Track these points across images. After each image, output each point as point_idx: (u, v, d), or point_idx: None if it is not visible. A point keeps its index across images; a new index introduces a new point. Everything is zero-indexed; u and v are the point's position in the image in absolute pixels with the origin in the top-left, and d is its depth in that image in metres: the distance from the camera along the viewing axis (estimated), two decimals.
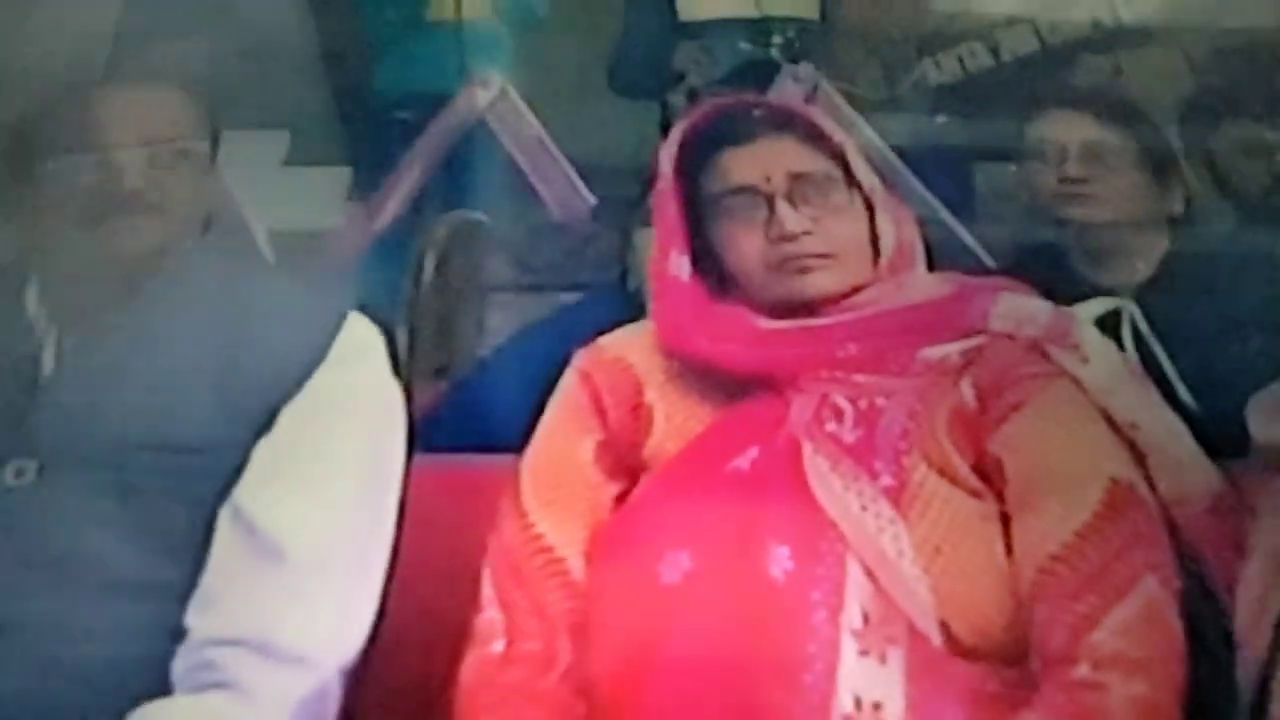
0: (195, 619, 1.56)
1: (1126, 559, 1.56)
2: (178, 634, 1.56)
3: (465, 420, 2.07)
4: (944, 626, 1.54)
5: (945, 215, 2.19)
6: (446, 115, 2.34)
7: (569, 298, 2.18)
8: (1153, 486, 1.68)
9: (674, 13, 2.52)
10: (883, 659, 1.52)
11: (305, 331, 1.70)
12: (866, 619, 1.53)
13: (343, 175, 2.35)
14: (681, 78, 2.37)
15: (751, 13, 2.50)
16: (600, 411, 1.74)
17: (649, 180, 1.96)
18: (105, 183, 1.70)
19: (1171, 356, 2.00)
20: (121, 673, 1.55)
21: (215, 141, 1.81)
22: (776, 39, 2.48)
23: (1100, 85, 2.47)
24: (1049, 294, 1.86)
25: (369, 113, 2.33)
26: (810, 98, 2.38)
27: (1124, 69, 2.47)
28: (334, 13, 2.43)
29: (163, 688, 1.54)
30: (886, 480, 1.61)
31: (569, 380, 1.79)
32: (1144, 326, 2.02)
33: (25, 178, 1.75)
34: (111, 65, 2.30)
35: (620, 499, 1.72)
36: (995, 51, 2.52)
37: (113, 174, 1.70)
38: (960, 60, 2.50)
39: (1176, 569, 1.58)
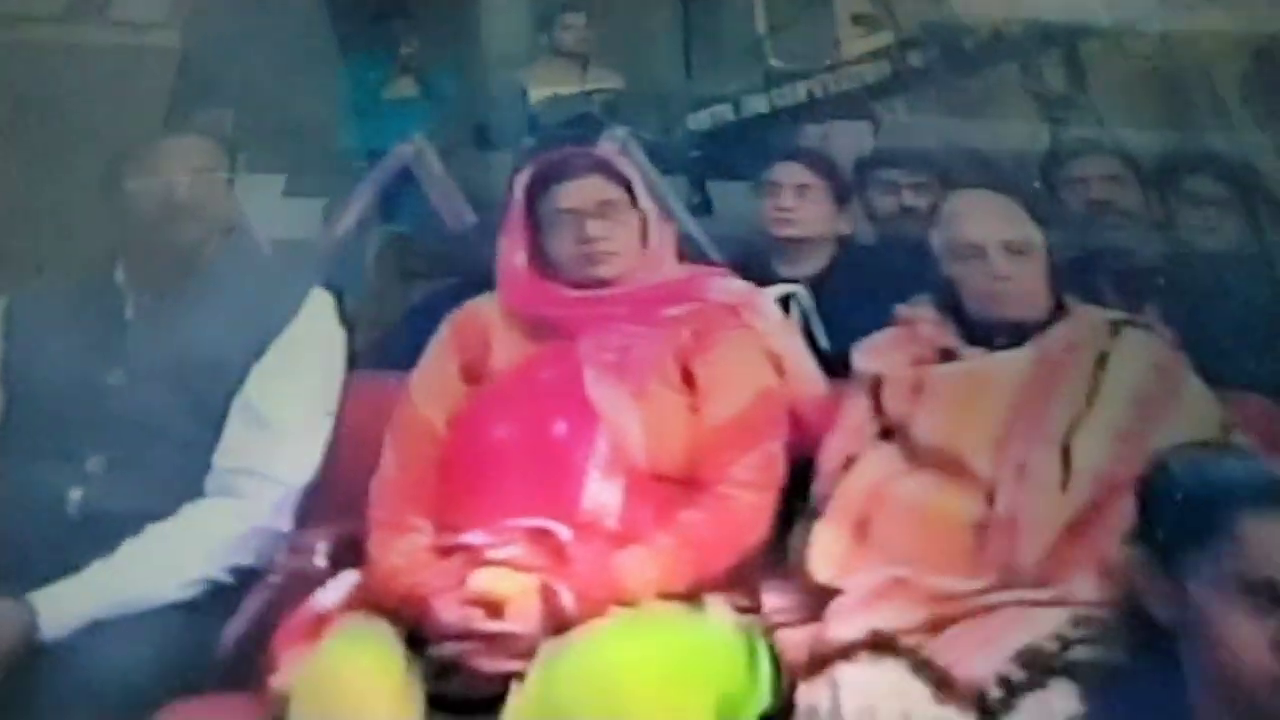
0: (218, 459, 2.24)
1: (760, 430, 2.19)
2: (208, 464, 2.24)
3: (392, 351, 2.58)
4: (652, 464, 2.14)
5: (692, 227, 2.82)
6: (383, 163, 2.92)
7: (454, 280, 2.69)
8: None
9: (525, 96, 3.15)
10: (611, 479, 2.10)
11: (287, 296, 2.38)
12: (606, 459, 2.12)
13: (320, 204, 2.93)
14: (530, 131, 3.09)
15: (576, 88, 3.18)
16: (462, 345, 2.32)
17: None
18: (167, 198, 2.35)
19: (825, 321, 2.51)
20: (185, 481, 2.22)
21: (232, 175, 2.45)
22: (595, 99, 3.14)
23: (813, 146, 2.95)
24: (757, 279, 2.45)
25: (338, 163, 2.95)
26: (623, 150, 2.90)
27: (830, 133, 3.13)
28: (320, 96, 3.06)
29: (199, 493, 2.22)
30: (631, 386, 2.20)
31: (444, 327, 2.36)
32: (809, 303, 2.52)
33: (114, 193, 2.37)
34: (168, 118, 2.98)
35: (471, 395, 2.28)
36: (737, 109, 3.16)
37: (172, 191, 2.34)
38: (712, 116, 3.16)
39: (789, 435, 2.21)
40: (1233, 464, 1.70)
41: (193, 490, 2.22)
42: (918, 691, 1.88)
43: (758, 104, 3.00)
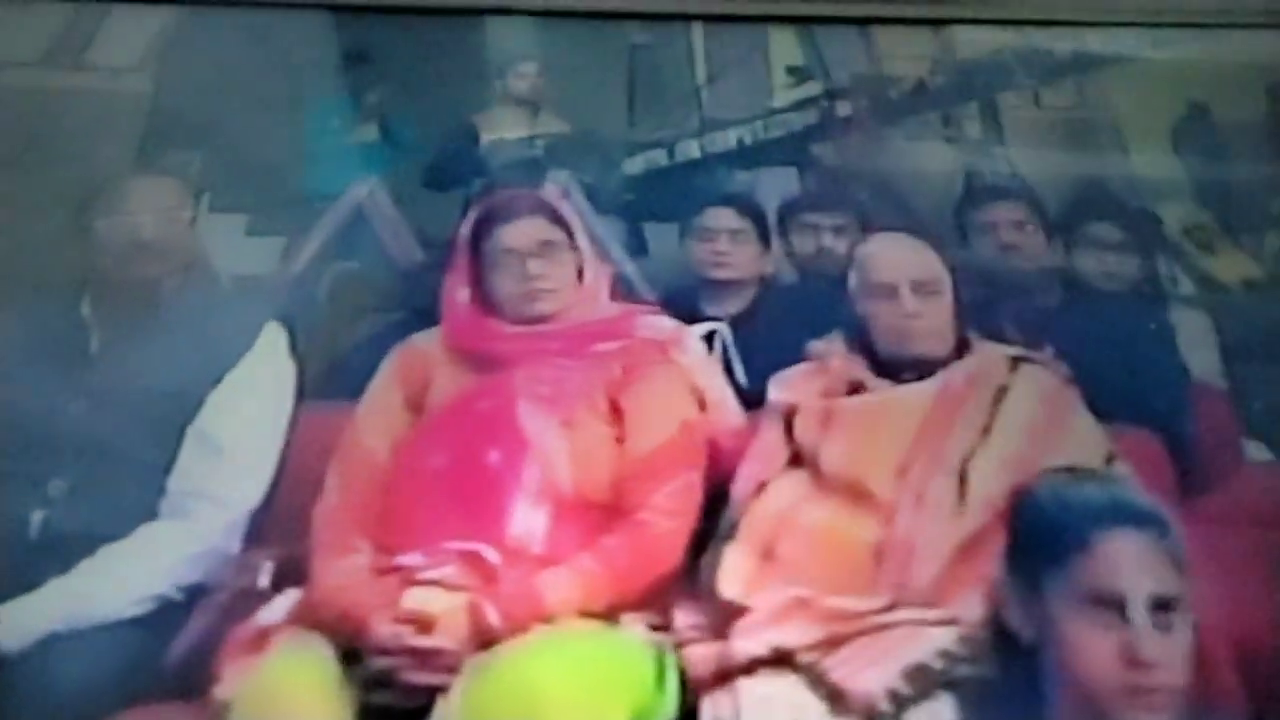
0: (172, 482, 2.33)
1: (681, 461, 2.29)
2: (162, 488, 2.34)
3: (343, 381, 2.56)
4: (578, 491, 2.24)
5: (627, 266, 2.91)
6: (338, 204, 3.03)
7: (402, 315, 2.69)
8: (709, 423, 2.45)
9: (476, 136, 3.19)
10: (539, 507, 2.20)
11: (243, 330, 2.48)
12: (535, 487, 2.22)
13: (280, 243, 3.05)
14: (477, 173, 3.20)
15: (525, 133, 3.29)
16: (405, 378, 2.40)
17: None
18: (132, 235, 2.48)
19: (745, 356, 2.54)
20: (141, 504, 2.32)
21: (194, 214, 2.62)
22: (539, 144, 3.25)
23: (742, 191, 3.03)
24: (685, 316, 2.54)
25: (300, 205, 3.06)
26: (564, 193, 2.93)
27: (759, 178, 3.22)
28: (285, 140, 3.17)
29: (154, 515, 2.32)
30: (562, 416, 2.31)
31: (389, 360, 2.43)
32: (729, 338, 2.57)
33: (83, 231, 2.49)
34: (137, 160, 3.09)
35: (412, 425, 2.36)
36: (671, 154, 3.21)
37: (137, 230, 2.48)
38: (646, 161, 3.18)
39: (707, 464, 2.31)
40: (1092, 488, 1.83)
41: (148, 513, 2.31)
42: (813, 705, 1.99)
43: (690, 150, 3.11)
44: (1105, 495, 1.79)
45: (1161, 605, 1.68)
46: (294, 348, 2.51)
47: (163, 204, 2.51)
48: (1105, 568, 1.69)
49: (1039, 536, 1.76)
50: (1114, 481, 1.97)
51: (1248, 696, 2.04)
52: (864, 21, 3.11)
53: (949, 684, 1.97)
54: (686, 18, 3.19)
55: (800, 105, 3.16)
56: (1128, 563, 1.69)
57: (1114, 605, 1.67)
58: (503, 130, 3.18)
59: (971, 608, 2.05)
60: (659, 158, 3.09)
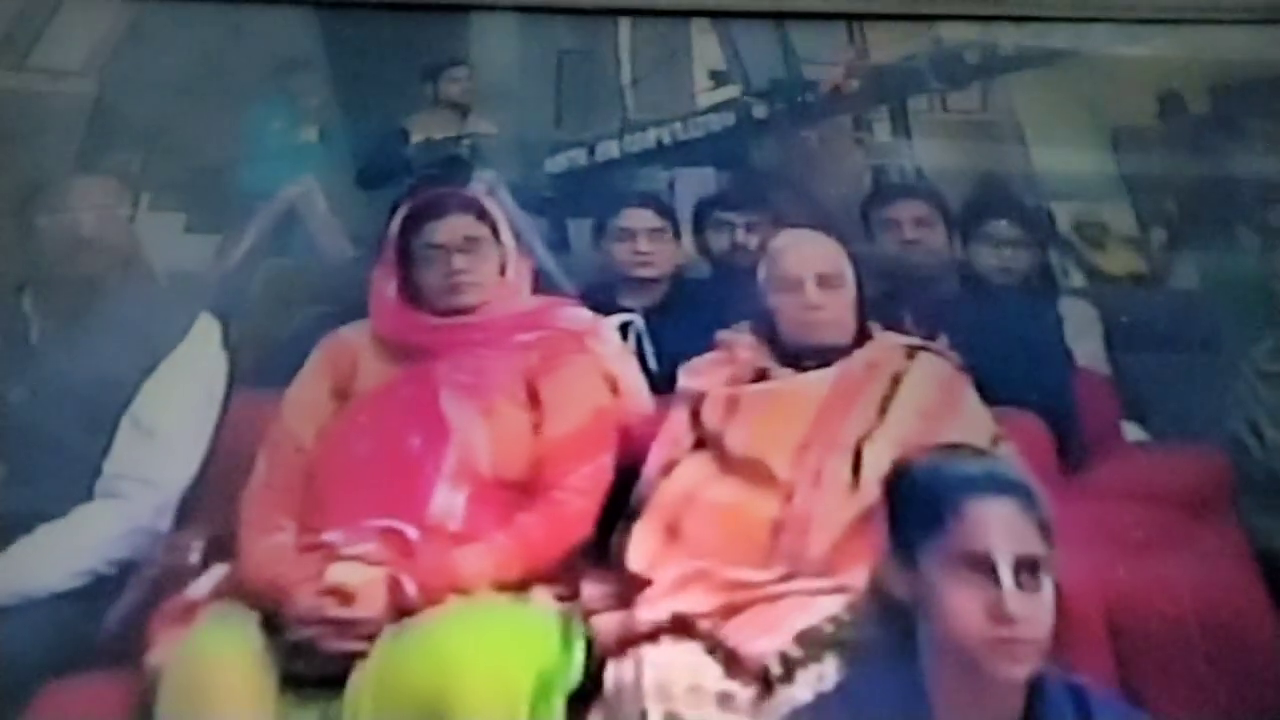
0: (107, 465, 2.43)
1: (594, 445, 2.40)
2: (98, 471, 2.44)
3: (274, 371, 2.61)
4: (496, 473, 2.34)
5: (548, 262, 3.04)
6: (272, 202, 3.14)
7: (331, 308, 2.73)
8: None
9: (406, 137, 3.31)
10: (458, 488, 2.30)
11: (177, 320, 2.59)
12: (454, 470, 2.32)
13: (217, 239, 3.18)
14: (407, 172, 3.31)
15: (454, 134, 3.39)
16: (332, 368, 2.48)
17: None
18: (72, 233, 2.59)
19: (658, 346, 2.69)
20: (77, 487, 2.43)
21: (133, 212, 2.78)
22: (466, 144, 3.36)
23: (659, 191, 3.20)
24: (602, 308, 2.66)
25: (238, 203, 3.17)
26: (490, 191, 3.01)
27: (677, 177, 3.36)
28: (225, 141, 3.27)
29: (89, 497, 2.42)
30: (481, 404, 2.41)
31: (317, 351, 2.52)
32: (643, 329, 2.71)
33: (25, 228, 2.59)
34: (79, 160, 3.19)
35: (337, 412, 2.45)
36: (592, 153, 3.28)
37: (77, 227, 2.59)
38: (568, 160, 3.26)
39: (618, 446, 2.42)
40: (964, 461, 1.94)
41: (84, 495, 2.41)
42: (709, 668, 2.10)
43: (610, 149, 3.22)
44: (977, 467, 1.90)
45: (1027, 566, 1.80)
46: (226, 339, 2.61)
47: (102, 203, 2.61)
48: (976, 531, 1.80)
49: (916, 506, 1.87)
50: (986, 456, 2.08)
51: (1115, 654, 2.18)
52: (780, 16, 3.23)
53: (838, 646, 2.09)
54: (613, 12, 3.31)
55: (719, 107, 3.29)
56: (996, 526, 1.80)
57: (983, 566, 1.78)
58: (432, 131, 3.29)
59: (863, 577, 2.17)
60: (580, 157, 3.21)
